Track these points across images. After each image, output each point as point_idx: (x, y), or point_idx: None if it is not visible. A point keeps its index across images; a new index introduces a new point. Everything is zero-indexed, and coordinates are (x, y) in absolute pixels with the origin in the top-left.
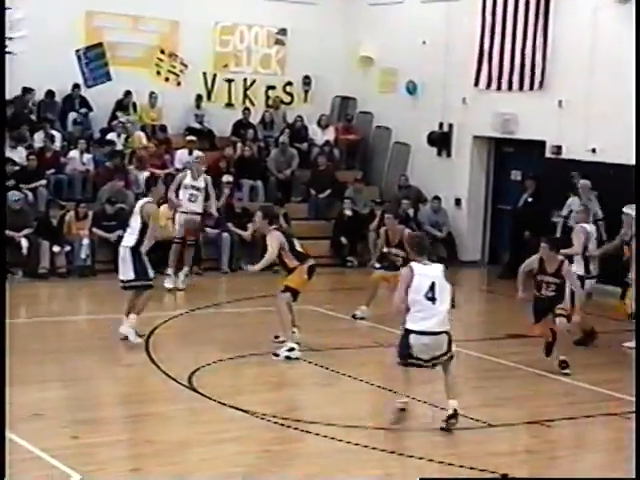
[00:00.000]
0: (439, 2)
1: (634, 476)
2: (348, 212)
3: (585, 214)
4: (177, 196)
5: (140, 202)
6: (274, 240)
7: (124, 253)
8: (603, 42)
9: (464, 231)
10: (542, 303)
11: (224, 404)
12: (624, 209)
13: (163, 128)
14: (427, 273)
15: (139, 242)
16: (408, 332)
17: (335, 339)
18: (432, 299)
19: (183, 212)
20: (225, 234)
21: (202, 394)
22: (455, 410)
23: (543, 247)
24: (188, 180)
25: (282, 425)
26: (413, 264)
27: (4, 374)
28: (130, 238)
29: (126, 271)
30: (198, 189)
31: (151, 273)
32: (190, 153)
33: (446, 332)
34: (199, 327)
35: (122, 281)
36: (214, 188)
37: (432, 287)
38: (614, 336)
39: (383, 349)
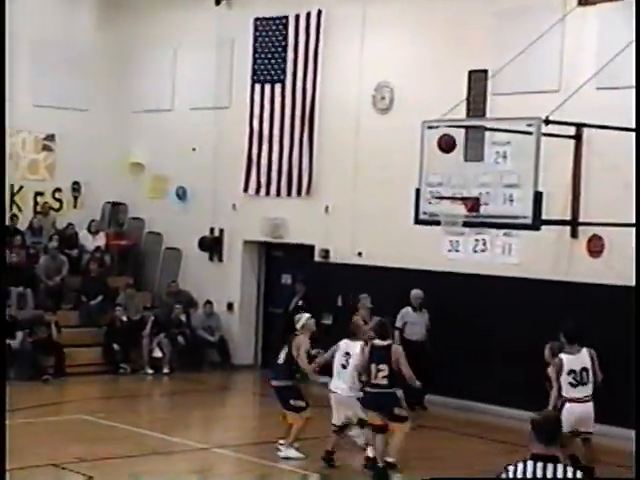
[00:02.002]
0: (207, 110)
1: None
2: (123, 317)
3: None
4: None
5: None
6: None
7: None
8: (365, 150)
9: (237, 335)
10: None
11: None
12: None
13: None
14: None
15: None
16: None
17: (110, 448)
18: None
19: None
20: None
21: None
22: None
23: None
24: None
25: None
26: None
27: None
28: None
29: None
30: None
31: None
32: None
33: None
34: None
35: None
36: None
37: None
38: None
39: (159, 457)
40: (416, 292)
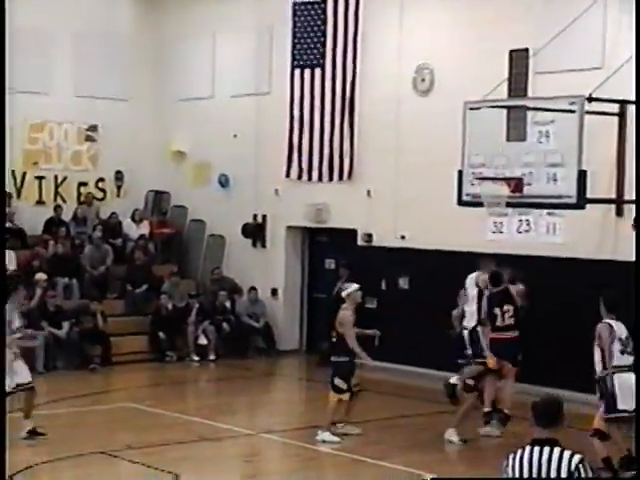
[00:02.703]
0: (248, 96)
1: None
2: (169, 305)
3: None
4: None
5: None
6: None
7: None
8: (406, 133)
9: (281, 321)
10: None
11: None
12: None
13: None
14: None
15: None
16: None
17: (157, 435)
18: None
19: None
20: (39, 333)
21: None
22: None
23: None
24: None
25: None
26: None
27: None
28: None
29: None
30: None
31: None
32: None
33: None
34: (14, 430)
35: None
36: (27, 287)
37: None
38: (428, 418)
39: (206, 443)
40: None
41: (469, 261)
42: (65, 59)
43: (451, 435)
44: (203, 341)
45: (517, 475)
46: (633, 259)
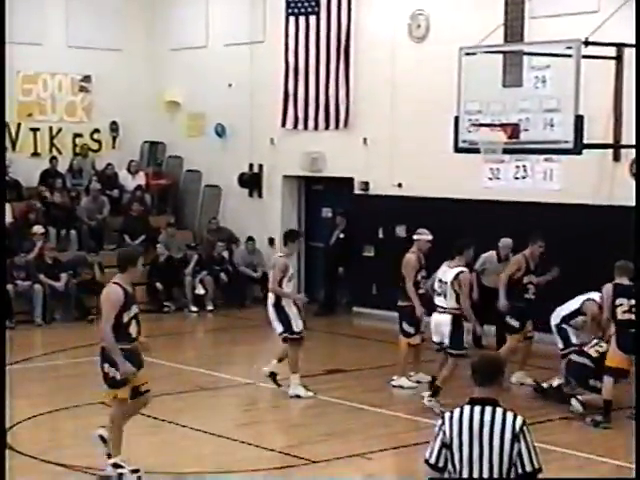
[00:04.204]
0: (242, 45)
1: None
2: (166, 256)
3: None
4: None
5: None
6: None
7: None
8: (402, 80)
9: None
10: None
11: (44, 461)
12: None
13: None
14: None
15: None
16: None
17: (156, 386)
18: None
19: None
20: (37, 286)
21: (19, 452)
22: None
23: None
24: None
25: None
26: None
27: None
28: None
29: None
30: None
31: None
32: None
33: None
34: (13, 382)
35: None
36: (24, 239)
37: None
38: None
39: (205, 393)
40: (506, 241)
41: (467, 208)
42: (58, 9)
43: (520, 378)
44: (201, 291)
45: (455, 435)
46: (630, 204)
